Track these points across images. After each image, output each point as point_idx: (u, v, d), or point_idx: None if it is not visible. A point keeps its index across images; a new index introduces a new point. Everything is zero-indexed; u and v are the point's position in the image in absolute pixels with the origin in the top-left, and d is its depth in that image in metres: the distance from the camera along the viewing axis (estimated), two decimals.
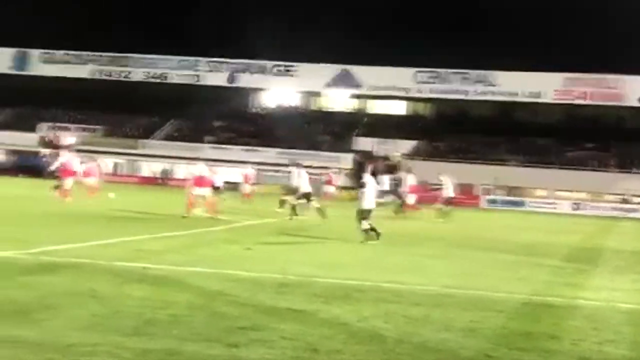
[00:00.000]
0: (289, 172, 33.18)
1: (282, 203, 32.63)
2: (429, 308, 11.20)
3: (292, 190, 31.52)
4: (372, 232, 21.64)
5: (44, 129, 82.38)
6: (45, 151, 78.80)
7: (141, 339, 8.25)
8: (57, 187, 34.39)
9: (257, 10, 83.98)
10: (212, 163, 35.52)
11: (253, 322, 9.40)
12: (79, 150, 76.76)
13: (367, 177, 22.90)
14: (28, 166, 71.63)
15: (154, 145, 77.55)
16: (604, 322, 10.95)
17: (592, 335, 9.95)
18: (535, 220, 47.28)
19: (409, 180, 39.67)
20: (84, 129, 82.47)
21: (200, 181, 28.10)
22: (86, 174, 37.80)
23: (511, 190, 72.27)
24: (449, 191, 38.46)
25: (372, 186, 22.74)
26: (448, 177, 39.72)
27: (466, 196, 69.24)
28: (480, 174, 70.69)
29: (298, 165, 33.34)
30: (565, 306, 12.34)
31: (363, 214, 21.85)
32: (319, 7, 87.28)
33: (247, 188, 44.11)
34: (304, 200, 30.79)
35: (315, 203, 30.91)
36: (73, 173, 35.21)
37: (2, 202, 28.06)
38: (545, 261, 19.56)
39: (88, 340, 8.06)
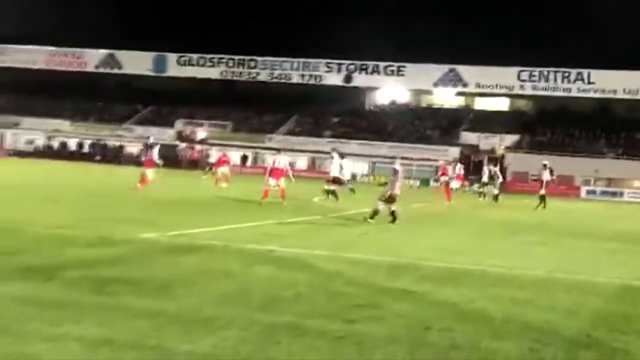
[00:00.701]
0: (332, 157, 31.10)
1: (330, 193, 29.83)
2: (534, 291, 11.00)
3: (339, 180, 29.86)
4: (391, 216, 21.32)
5: (180, 125, 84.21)
6: (182, 144, 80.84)
7: (268, 314, 8.34)
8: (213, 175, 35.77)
9: (371, 16, 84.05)
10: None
11: (369, 301, 9.40)
12: (210, 144, 79.02)
13: (398, 166, 22.60)
14: (167, 157, 73.25)
15: (278, 139, 78.27)
16: None
17: None
18: (633, 209, 45.91)
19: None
20: (215, 125, 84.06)
21: (276, 172, 27.02)
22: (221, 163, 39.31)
23: (610, 181, 70.52)
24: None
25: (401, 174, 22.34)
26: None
27: (567, 187, 68.01)
28: (580, 166, 69.56)
29: (333, 150, 32.45)
30: None
31: (392, 198, 21.55)
32: (427, 12, 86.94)
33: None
34: (334, 186, 29.25)
35: (327, 186, 29.33)
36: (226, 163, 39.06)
37: (146, 189, 28.76)
38: None
39: (222, 313, 8.19)
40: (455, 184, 39.84)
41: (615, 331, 8.57)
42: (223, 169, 39.01)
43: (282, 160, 27.74)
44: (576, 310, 9.72)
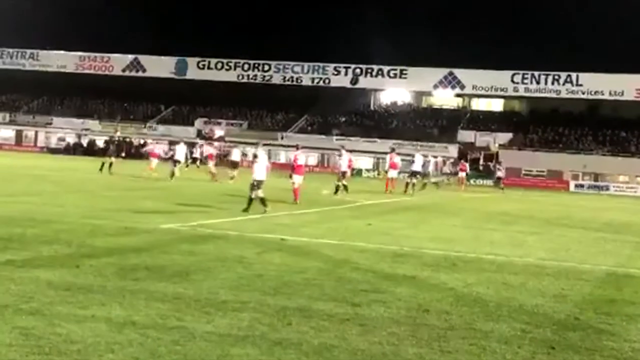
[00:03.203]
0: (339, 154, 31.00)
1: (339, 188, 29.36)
2: (525, 277, 10.99)
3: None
4: (261, 203, 19.67)
5: (200, 124, 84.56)
6: (201, 142, 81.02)
7: (280, 298, 8.36)
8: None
9: (376, 24, 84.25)
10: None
11: (373, 286, 9.40)
12: (228, 141, 79.19)
13: (260, 153, 21.77)
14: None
15: (291, 137, 78.22)
16: None
17: None
18: (618, 202, 45.78)
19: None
20: (231, 124, 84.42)
21: (298, 169, 25.13)
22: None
23: (597, 176, 70.50)
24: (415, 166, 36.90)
25: (263, 161, 20.90)
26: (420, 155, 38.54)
27: (557, 181, 68.19)
28: (569, 162, 70.07)
29: (342, 147, 32.21)
30: None
31: (255, 185, 20.02)
32: (428, 19, 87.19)
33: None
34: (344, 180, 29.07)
35: (338, 181, 29.06)
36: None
37: (170, 185, 28.82)
38: (627, 238, 18.96)
39: (237, 297, 8.21)
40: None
41: (601, 314, 8.56)
42: (211, 165, 38.58)
43: (302, 157, 26.56)
44: (565, 295, 9.71)
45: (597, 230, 20.71)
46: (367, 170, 71.09)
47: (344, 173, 29.75)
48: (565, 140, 75.50)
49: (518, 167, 67.27)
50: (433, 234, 16.63)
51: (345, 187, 29.09)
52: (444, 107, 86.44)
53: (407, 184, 35.24)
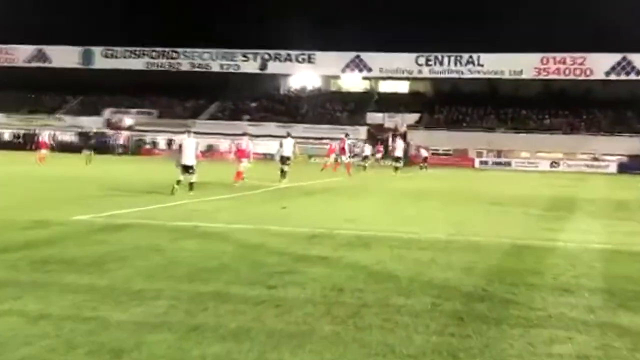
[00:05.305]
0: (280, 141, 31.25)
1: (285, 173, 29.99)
2: (434, 252, 11.20)
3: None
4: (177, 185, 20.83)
5: (109, 113, 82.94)
6: (110, 132, 79.54)
7: (195, 284, 8.30)
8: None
9: (283, 10, 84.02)
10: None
11: (288, 268, 9.43)
12: (138, 130, 77.95)
13: (189, 139, 22.06)
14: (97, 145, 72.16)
15: (201, 124, 77.47)
16: (579, 260, 10.91)
17: (570, 270, 9.92)
18: (520, 177, 47.10)
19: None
20: (141, 112, 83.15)
21: (241, 153, 27.54)
22: None
23: (500, 152, 72.35)
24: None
25: (191, 147, 21.73)
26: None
27: (462, 158, 69.77)
28: (473, 140, 71.84)
29: (289, 135, 32.41)
30: (546, 247, 12.29)
31: (184, 168, 21.41)
32: (334, 4, 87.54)
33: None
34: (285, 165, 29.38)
35: (286, 167, 29.30)
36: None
37: (81, 175, 28.17)
38: (529, 210, 19.50)
39: (152, 286, 8.12)
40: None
41: (506, 284, 8.79)
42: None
43: (244, 143, 27.96)
44: (472, 267, 9.94)
45: (501, 205, 21.24)
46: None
47: (287, 158, 29.65)
48: (469, 119, 77.27)
49: (425, 146, 68.55)
50: (347, 215, 16.74)
51: (283, 173, 28.98)
52: (353, 90, 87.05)
53: (396, 168, 40.28)
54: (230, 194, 22.21)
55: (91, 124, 79.06)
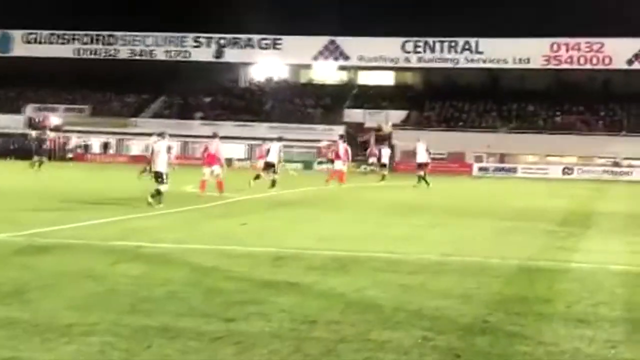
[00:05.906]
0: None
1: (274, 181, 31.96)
2: (426, 276, 11.22)
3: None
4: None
5: (31, 111, 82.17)
6: (33, 133, 78.84)
7: (138, 316, 8.26)
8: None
9: None
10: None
11: (250, 296, 9.40)
12: (66, 131, 77.30)
13: (160, 143, 22.94)
14: (17, 148, 71.56)
15: (143, 122, 77.08)
16: (598, 284, 10.97)
17: (586, 297, 9.95)
18: (528, 186, 47.40)
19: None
20: (70, 109, 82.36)
21: (210, 158, 27.84)
22: None
23: (502, 157, 72.56)
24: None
25: (163, 152, 22.71)
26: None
27: (458, 165, 69.81)
28: (471, 142, 71.45)
29: (276, 139, 33.31)
30: (559, 270, 12.35)
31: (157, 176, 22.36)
32: None
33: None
34: (269, 171, 31.43)
35: (274, 175, 31.36)
36: None
37: (5, 185, 27.97)
38: (538, 226, 19.60)
39: (85, 319, 8.05)
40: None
41: (512, 315, 8.81)
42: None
43: (214, 146, 28.26)
44: (471, 294, 9.96)
45: (505, 219, 21.34)
46: (240, 160, 70.39)
47: (270, 165, 31.34)
48: (466, 117, 77.40)
49: (414, 150, 68.46)
50: (319, 232, 16.75)
51: (258, 177, 31.48)
52: (327, 82, 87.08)
53: (383, 176, 42.74)
54: (181, 207, 22.13)
55: (9, 123, 78.36)
